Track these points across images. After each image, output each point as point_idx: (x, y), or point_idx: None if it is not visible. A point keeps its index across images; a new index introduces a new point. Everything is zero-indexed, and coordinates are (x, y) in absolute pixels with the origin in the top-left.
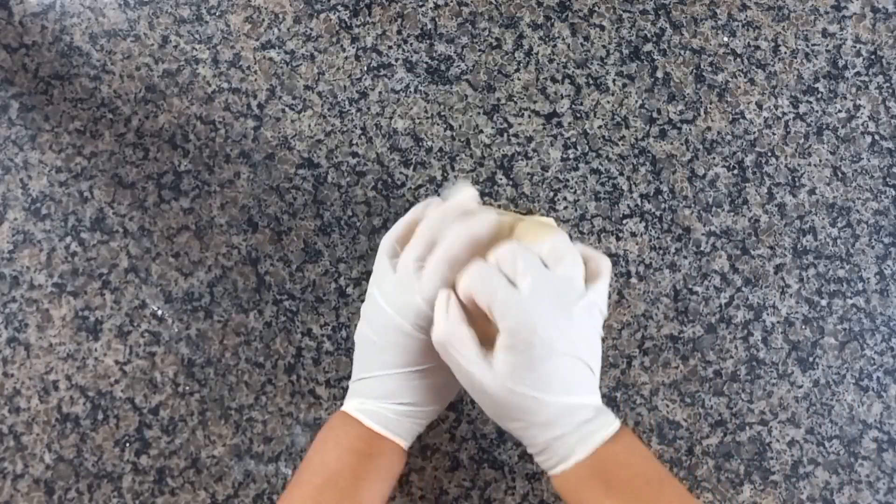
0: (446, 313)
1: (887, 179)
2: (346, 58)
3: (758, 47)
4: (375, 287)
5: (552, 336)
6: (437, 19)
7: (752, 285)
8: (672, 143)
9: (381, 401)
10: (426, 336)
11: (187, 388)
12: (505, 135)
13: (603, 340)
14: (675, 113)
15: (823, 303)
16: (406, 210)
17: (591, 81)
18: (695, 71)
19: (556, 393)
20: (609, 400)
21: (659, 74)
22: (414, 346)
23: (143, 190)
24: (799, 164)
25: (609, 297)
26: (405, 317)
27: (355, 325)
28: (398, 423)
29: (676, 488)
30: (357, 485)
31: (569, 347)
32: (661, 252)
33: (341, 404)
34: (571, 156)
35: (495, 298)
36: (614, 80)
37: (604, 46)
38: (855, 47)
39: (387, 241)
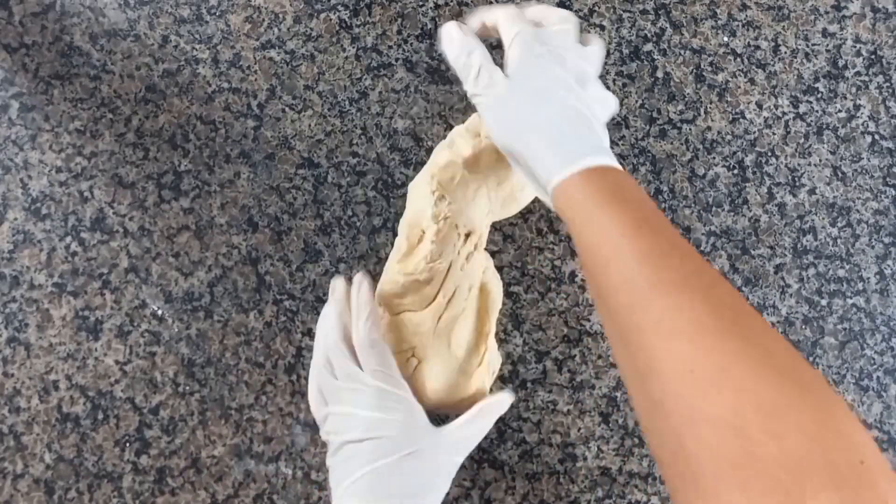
0: (459, 39)
1: (887, 179)
2: (347, 58)
3: (758, 47)
4: (339, 403)
5: (549, 64)
6: (437, 19)
7: (753, 285)
8: (672, 143)
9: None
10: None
11: (187, 387)
12: None
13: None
14: (675, 113)
15: (823, 302)
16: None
17: None
18: (695, 71)
19: (565, 93)
20: (609, 400)
21: (659, 74)
22: (400, 419)
23: (143, 190)
24: (799, 164)
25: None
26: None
27: None
28: None
29: (673, 227)
30: None
31: (567, 92)
32: None
33: None
34: None
35: (514, 25)
36: (614, 80)
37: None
38: (855, 47)
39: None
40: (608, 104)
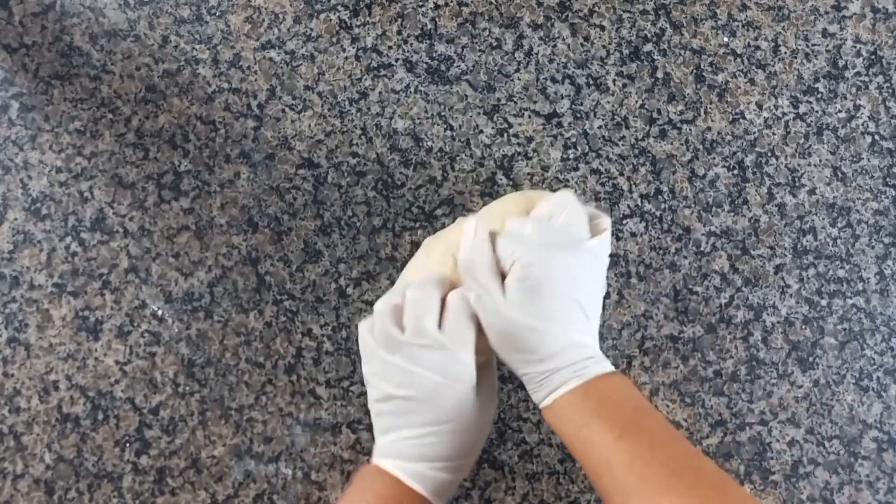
0: (473, 237)
1: (887, 179)
2: (347, 58)
3: (758, 47)
4: (389, 352)
5: (556, 272)
6: (437, 19)
7: (753, 285)
8: (672, 144)
9: (416, 461)
10: (456, 384)
11: (187, 388)
12: (505, 135)
13: (606, 297)
14: (675, 113)
15: (823, 303)
16: (406, 211)
17: (591, 81)
18: (695, 71)
19: (559, 325)
20: None
21: (659, 74)
22: (446, 399)
23: (143, 190)
24: (799, 164)
25: (608, 297)
26: (437, 371)
27: (355, 326)
28: (435, 481)
29: (663, 420)
30: None
31: (570, 287)
32: (661, 252)
33: (342, 404)
34: (571, 156)
35: (508, 239)
36: (614, 81)
37: (604, 46)
38: (855, 47)
39: (384, 308)
40: (603, 286)
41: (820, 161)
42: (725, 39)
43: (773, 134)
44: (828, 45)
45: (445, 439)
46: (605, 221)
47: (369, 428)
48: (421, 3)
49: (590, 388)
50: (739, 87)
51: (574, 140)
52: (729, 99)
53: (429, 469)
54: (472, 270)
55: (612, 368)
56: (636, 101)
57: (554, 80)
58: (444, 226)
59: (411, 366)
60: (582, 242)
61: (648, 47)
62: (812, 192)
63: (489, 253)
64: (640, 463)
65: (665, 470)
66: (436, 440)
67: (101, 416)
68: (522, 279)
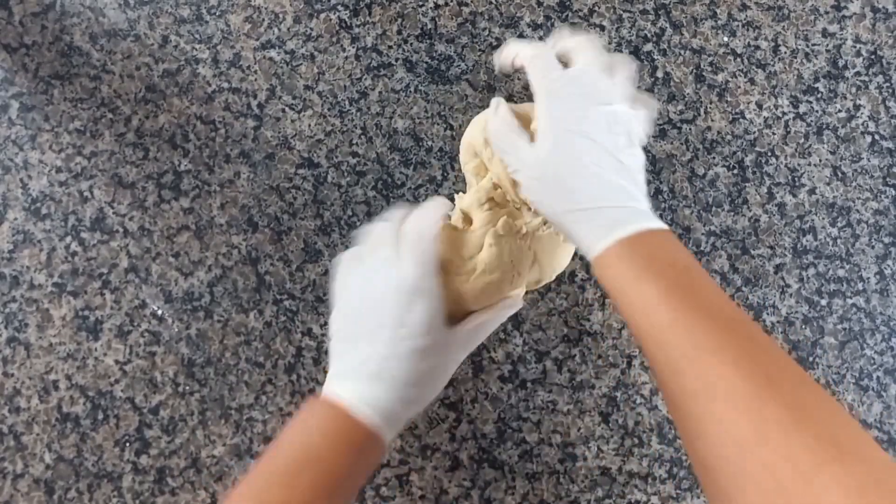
0: (496, 112)
1: (887, 179)
2: (347, 58)
3: (758, 47)
4: (373, 252)
5: (585, 116)
6: (437, 19)
7: (752, 285)
8: (672, 143)
9: (366, 380)
10: (419, 299)
11: (187, 387)
12: None
13: (604, 296)
14: (675, 112)
15: (823, 302)
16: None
17: None
18: (695, 71)
19: (595, 165)
20: (609, 399)
21: (659, 74)
22: (406, 310)
23: (143, 190)
24: (799, 164)
25: (608, 297)
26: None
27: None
28: (385, 407)
29: (713, 284)
30: (338, 470)
31: (604, 137)
32: None
33: None
34: None
35: (542, 77)
36: None
37: (604, 46)
38: (855, 47)
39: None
40: (640, 153)
41: (820, 161)
42: (725, 39)
43: (773, 133)
44: (828, 45)
45: (402, 358)
46: (620, 60)
47: None
48: (421, 3)
49: (640, 239)
50: (739, 87)
51: None
52: (729, 98)
53: (380, 391)
54: (498, 136)
55: (664, 226)
56: None
57: None
58: None
59: (369, 272)
60: (612, 99)
61: (648, 47)
62: (812, 191)
63: (512, 119)
64: (687, 322)
65: (716, 331)
66: (391, 356)
67: (101, 416)
68: (551, 126)
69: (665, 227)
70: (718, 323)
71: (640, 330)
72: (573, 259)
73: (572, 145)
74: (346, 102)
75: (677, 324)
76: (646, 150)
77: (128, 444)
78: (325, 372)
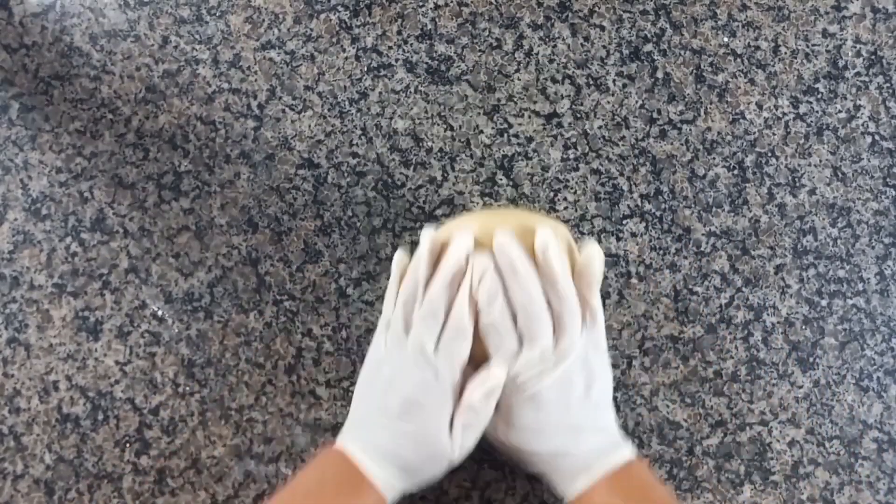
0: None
1: (887, 180)
2: (347, 58)
3: (758, 47)
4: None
5: (556, 388)
6: (437, 20)
7: (753, 286)
8: (672, 144)
9: (383, 454)
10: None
11: (187, 388)
12: (505, 135)
13: (606, 297)
14: (675, 113)
15: (824, 303)
16: (406, 211)
17: (591, 82)
18: (695, 71)
19: (574, 431)
20: None
21: (659, 75)
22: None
23: (143, 190)
24: (799, 165)
25: (609, 298)
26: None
27: (356, 326)
28: (391, 483)
29: None
30: None
31: (576, 394)
32: (661, 252)
33: (342, 405)
34: (572, 156)
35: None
36: (614, 81)
37: (604, 47)
38: (855, 47)
39: (400, 313)
40: (602, 381)
41: (820, 161)
42: (725, 39)
43: (774, 134)
44: (828, 46)
45: (420, 448)
46: (592, 248)
47: None
48: (421, 4)
49: (618, 476)
50: (739, 88)
51: (574, 140)
52: (729, 99)
53: (391, 466)
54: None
55: (632, 455)
56: (636, 102)
57: (554, 80)
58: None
59: (410, 372)
60: (572, 349)
61: (648, 47)
62: (812, 192)
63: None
64: None
65: None
66: (408, 444)
67: (100, 417)
68: (528, 405)
69: (632, 455)
70: None
71: None
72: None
73: (547, 419)
74: (346, 103)
75: None
76: (646, 150)
77: (128, 445)
78: (326, 373)
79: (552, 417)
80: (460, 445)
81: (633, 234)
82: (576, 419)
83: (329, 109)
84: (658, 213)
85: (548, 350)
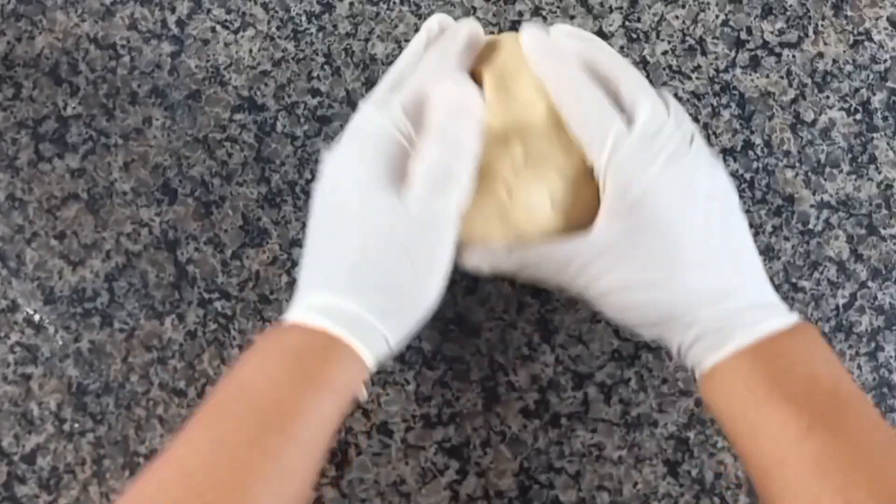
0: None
1: None
2: None
3: None
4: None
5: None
6: None
7: (883, 279)
8: (768, 77)
9: (344, 294)
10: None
11: (76, 425)
12: None
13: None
14: (772, 33)
15: None
16: None
17: None
18: None
19: (692, 265)
20: (678, 442)
21: None
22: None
23: (12, 143)
24: None
25: None
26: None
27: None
28: (362, 322)
29: (869, 407)
30: (295, 416)
31: (692, 210)
32: (753, 231)
33: None
34: None
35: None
36: None
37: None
38: None
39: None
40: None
41: None
42: None
43: None
44: None
45: (390, 265)
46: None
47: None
48: None
49: (763, 350)
50: None
51: None
52: (849, 13)
53: (358, 307)
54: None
55: (794, 318)
56: (716, 16)
57: None
58: None
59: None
60: (685, 142)
61: None
62: None
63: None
64: (834, 468)
65: (868, 478)
66: (376, 264)
67: None
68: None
69: (796, 318)
70: (880, 473)
71: (765, 468)
72: None
73: (654, 239)
74: (304, 18)
75: (825, 476)
76: (730, 86)
77: None
78: None
79: (671, 237)
80: (429, 209)
81: None
82: (710, 246)
83: (279, 27)
84: (748, 176)
85: (649, 127)
